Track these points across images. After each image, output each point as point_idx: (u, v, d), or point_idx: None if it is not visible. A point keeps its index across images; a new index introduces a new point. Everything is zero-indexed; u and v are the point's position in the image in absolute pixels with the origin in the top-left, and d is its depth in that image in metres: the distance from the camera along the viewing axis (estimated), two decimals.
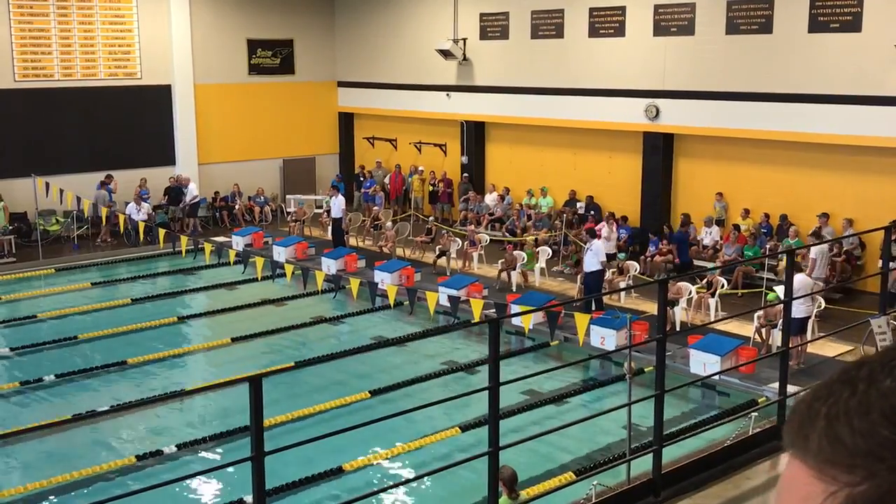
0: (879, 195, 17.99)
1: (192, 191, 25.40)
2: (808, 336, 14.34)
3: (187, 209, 25.31)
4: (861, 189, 18.36)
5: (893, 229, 11.30)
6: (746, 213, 19.95)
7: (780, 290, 15.16)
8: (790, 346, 6.65)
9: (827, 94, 18.20)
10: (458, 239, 21.59)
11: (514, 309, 16.12)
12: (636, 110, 21.31)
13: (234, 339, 16.76)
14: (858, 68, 17.77)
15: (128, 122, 25.52)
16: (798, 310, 12.03)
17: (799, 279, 12.11)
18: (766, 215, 19.61)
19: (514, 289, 18.90)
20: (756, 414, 7.96)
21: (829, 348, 14.30)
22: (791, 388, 7.05)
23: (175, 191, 25.34)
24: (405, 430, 12.16)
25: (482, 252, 21.13)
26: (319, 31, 28.83)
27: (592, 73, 22.26)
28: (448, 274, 20.01)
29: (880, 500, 0.83)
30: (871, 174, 18.26)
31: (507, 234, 22.68)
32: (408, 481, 9.61)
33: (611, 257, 18.82)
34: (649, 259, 19.86)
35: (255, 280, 19.42)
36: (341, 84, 29.27)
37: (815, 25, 18.40)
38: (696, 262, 19.59)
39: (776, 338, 14.65)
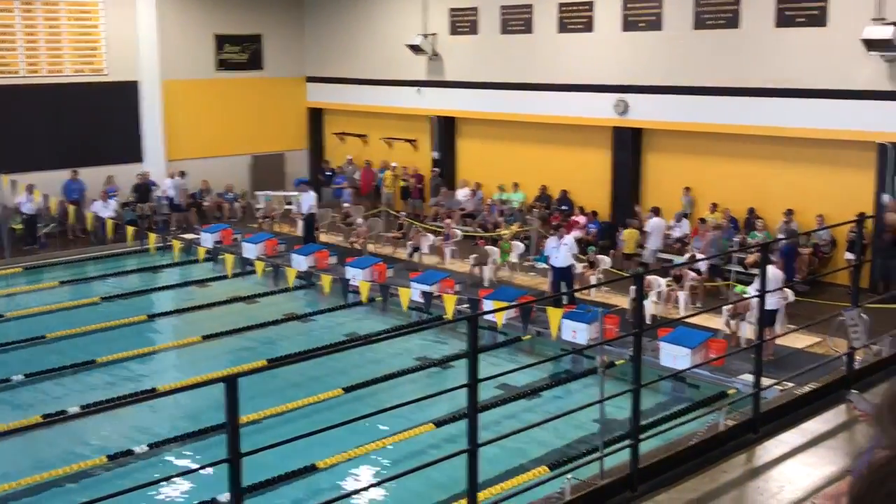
0: (846, 188, 18.20)
1: (172, 185, 25.27)
2: (778, 328, 14.49)
3: (173, 205, 25.19)
4: (827, 182, 18.56)
5: (865, 222, 11.44)
6: (714, 207, 20.10)
7: (750, 289, 15.33)
8: (762, 333, 6.71)
9: (793, 88, 18.36)
10: (429, 235, 21.58)
11: (487, 304, 16.15)
12: (605, 105, 21.40)
13: (204, 337, 16.66)
14: (824, 62, 17.95)
15: (94, 119, 25.24)
16: (768, 302, 12.15)
17: (770, 272, 12.23)
18: (730, 211, 19.77)
19: (486, 284, 18.94)
20: (728, 406, 8.03)
21: (799, 340, 14.46)
22: (764, 381, 7.13)
23: (143, 188, 25.11)
24: (379, 426, 12.15)
25: (454, 247, 21.15)
26: (288, 26, 28.67)
27: (562, 68, 22.32)
28: (420, 269, 20.01)
29: (881, 469, 0.85)
30: (838, 167, 18.46)
31: (478, 229, 22.71)
32: (384, 481, 9.61)
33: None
34: (620, 253, 19.99)
35: (226, 277, 19.32)
36: (310, 79, 29.14)
37: (782, 20, 18.56)
38: (666, 256, 19.72)
39: (744, 329, 14.81)
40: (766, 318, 12.47)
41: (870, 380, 7.38)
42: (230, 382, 4.23)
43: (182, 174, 25.48)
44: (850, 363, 7.33)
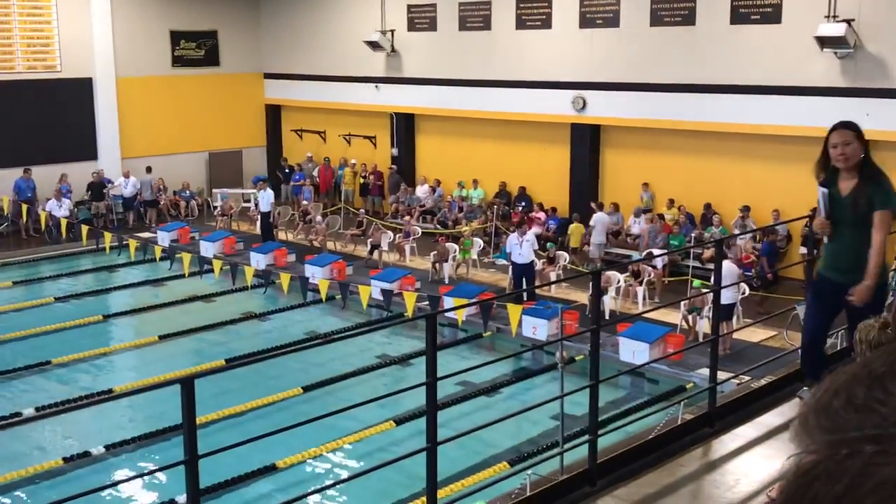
0: (800, 183, 18.37)
1: (133, 183, 25.04)
2: (734, 322, 14.65)
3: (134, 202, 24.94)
4: (783, 177, 18.78)
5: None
6: (671, 202, 20.28)
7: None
8: (719, 332, 6.77)
9: (749, 84, 18.58)
10: (389, 232, 21.54)
11: (448, 301, 16.16)
12: (564, 102, 21.48)
13: (161, 337, 16.48)
14: (779, 59, 18.17)
15: (48, 117, 24.82)
16: (725, 297, 12.27)
17: (726, 267, 12.34)
18: (684, 207, 19.95)
19: (446, 281, 18.94)
20: (685, 400, 8.10)
21: (755, 334, 14.63)
22: (721, 375, 7.20)
23: (98, 186, 24.79)
24: (339, 424, 12.06)
25: (414, 244, 21.12)
26: (244, 21, 28.44)
27: (520, 65, 22.37)
28: (380, 267, 19.96)
29: (807, 474, 0.84)
30: (792, 162, 18.66)
31: (438, 226, 22.71)
32: (342, 481, 9.57)
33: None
34: (580, 249, 20.10)
35: (183, 276, 19.12)
36: (268, 76, 28.94)
37: (737, 17, 18.76)
38: (624, 252, 19.86)
39: (702, 324, 14.96)
40: (723, 313, 12.62)
41: (824, 373, 7.48)
42: (186, 384, 4.18)
43: (148, 169, 25.35)
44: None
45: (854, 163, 5.63)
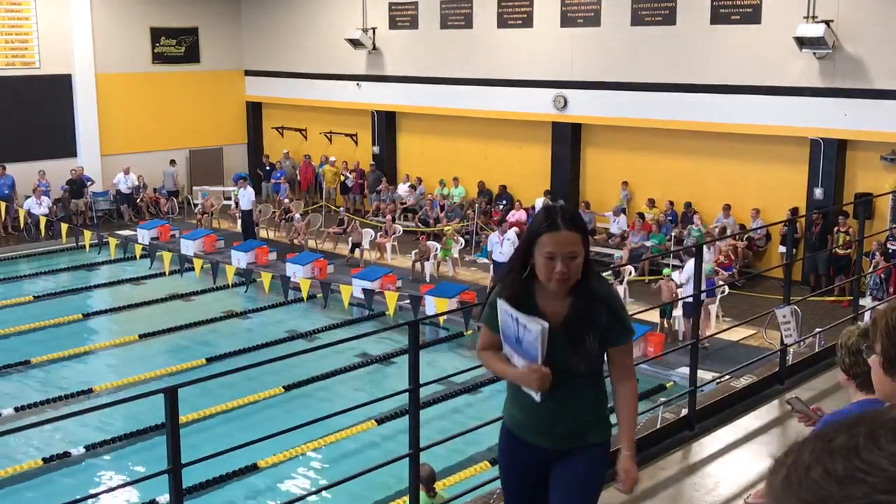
0: (780, 182, 18.59)
1: (127, 180, 24.96)
2: (712, 320, 14.74)
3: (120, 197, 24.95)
4: (762, 176, 18.93)
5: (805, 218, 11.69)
6: (652, 202, 20.37)
7: (675, 275, 15.58)
8: (697, 332, 6.83)
9: (729, 84, 18.69)
10: (370, 230, 21.53)
11: (429, 300, 16.19)
12: (545, 101, 21.53)
13: (141, 336, 16.41)
14: (759, 59, 18.29)
15: (26, 114, 24.61)
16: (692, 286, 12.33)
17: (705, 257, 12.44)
18: (671, 203, 20.05)
19: (427, 279, 18.96)
20: (664, 403, 8.17)
21: (734, 333, 14.70)
22: (701, 374, 7.27)
23: (77, 183, 24.64)
24: (320, 424, 12.06)
25: (395, 243, 21.13)
26: (225, 18, 28.31)
27: (502, 63, 22.39)
28: (361, 265, 19.95)
29: None
30: (772, 162, 18.83)
31: (419, 224, 22.72)
32: (326, 488, 9.58)
33: None
34: None
35: (163, 275, 19.04)
36: (249, 73, 28.83)
37: (717, 17, 18.87)
38: (604, 251, 19.93)
39: (680, 323, 15.04)
40: (691, 307, 12.68)
41: (802, 375, 7.56)
42: (170, 394, 4.18)
43: (172, 162, 25.97)
44: (783, 359, 7.50)
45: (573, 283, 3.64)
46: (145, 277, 19.80)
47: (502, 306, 3.71)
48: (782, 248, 17.79)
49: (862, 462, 0.90)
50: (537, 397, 3.78)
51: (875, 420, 0.94)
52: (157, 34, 27.00)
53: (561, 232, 3.54)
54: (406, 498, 7.18)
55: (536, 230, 3.61)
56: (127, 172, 25.09)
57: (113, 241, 19.73)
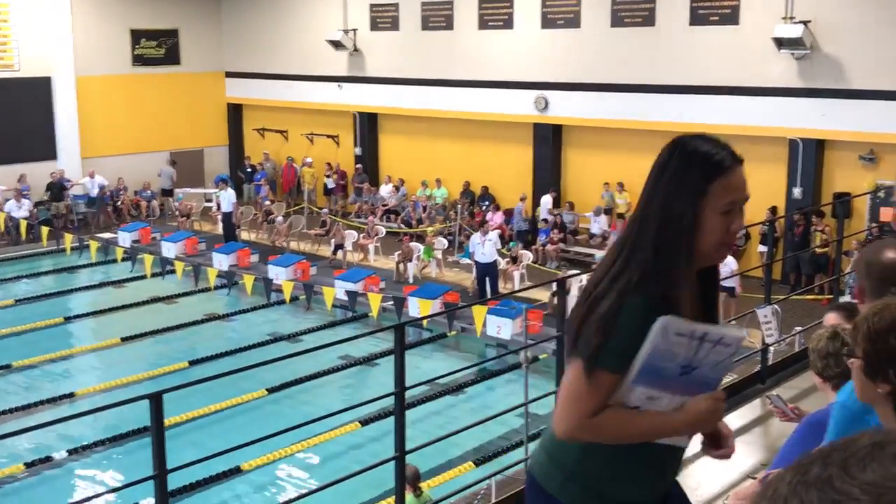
0: (759, 181, 18.64)
1: (101, 182, 24.82)
2: None
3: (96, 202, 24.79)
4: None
5: (783, 218, 11.78)
6: (629, 204, 20.46)
7: None
8: None
9: (708, 85, 18.82)
10: (353, 231, 21.53)
11: (413, 301, 16.21)
12: (526, 102, 21.60)
13: (123, 339, 16.36)
14: (737, 60, 18.42)
15: (5, 116, 24.42)
16: None
17: None
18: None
19: (411, 280, 18.99)
20: None
21: None
22: None
23: (57, 186, 24.51)
24: (304, 426, 12.09)
25: (378, 244, 21.14)
26: (205, 20, 28.24)
27: (483, 64, 22.45)
28: (344, 267, 19.95)
29: None
30: (751, 162, 18.60)
31: (402, 225, 22.74)
32: (312, 492, 9.60)
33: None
34: (541, 248, 20.23)
35: (144, 277, 18.98)
36: (229, 74, 28.76)
37: (696, 18, 19.00)
38: (585, 251, 20.02)
39: None
40: None
41: (783, 374, 7.64)
42: (155, 399, 4.20)
43: (173, 163, 26.12)
44: (765, 358, 7.58)
45: None
46: (127, 280, 19.72)
47: (670, 327, 2.37)
48: (762, 248, 17.92)
49: (836, 493, 0.94)
50: (686, 442, 2.65)
51: (847, 448, 0.98)
52: (137, 36, 26.90)
53: (737, 168, 2.60)
54: (392, 499, 7.21)
55: (708, 174, 2.53)
56: (92, 176, 24.93)
57: (94, 244, 19.65)
